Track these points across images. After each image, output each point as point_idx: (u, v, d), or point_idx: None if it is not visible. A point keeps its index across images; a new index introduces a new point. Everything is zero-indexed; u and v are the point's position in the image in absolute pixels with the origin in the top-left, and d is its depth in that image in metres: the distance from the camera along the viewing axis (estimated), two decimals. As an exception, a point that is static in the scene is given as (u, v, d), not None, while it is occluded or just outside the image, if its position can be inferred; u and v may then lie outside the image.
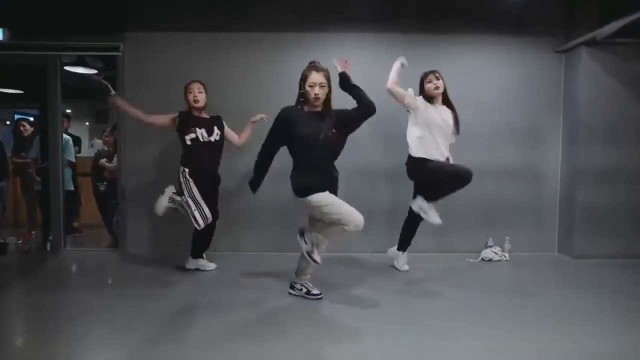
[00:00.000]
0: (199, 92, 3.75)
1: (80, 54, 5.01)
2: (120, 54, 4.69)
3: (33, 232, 4.89)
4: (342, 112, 3.03)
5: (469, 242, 4.69)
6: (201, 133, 3.71)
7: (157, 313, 2.84)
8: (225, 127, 3.93)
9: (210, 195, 3.75)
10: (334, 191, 3.01)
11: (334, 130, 2.93)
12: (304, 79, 2.95)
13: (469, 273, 4.06)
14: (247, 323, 2.72)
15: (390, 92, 3.65)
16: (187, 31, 4.67)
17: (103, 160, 5.18)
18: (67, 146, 5.21)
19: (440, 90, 3.71)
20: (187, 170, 3.68)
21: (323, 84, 2.91)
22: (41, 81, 4.81)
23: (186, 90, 3.77)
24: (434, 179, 3.67)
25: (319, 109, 2.98)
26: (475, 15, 4.66)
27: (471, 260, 4.48)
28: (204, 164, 3.74)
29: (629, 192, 4.61)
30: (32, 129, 5.66)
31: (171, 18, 4.67)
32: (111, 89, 5.18)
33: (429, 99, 3.73)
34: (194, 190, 3.63)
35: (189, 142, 3.70)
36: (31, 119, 5.87)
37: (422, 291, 3.44)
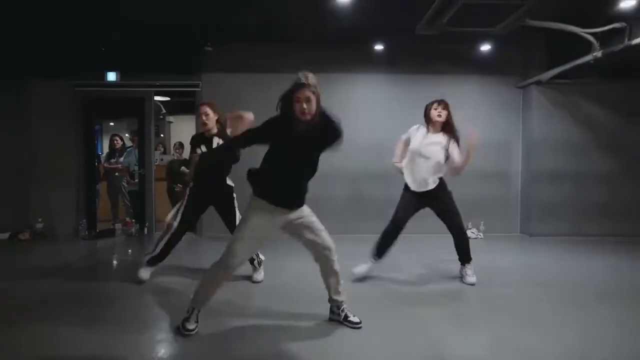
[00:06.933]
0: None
1: (170, 89, 6.71)
2: (199, 89, 6.45)
3: (134, 220, 6.61)
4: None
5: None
6: None
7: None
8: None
9: None
10: None
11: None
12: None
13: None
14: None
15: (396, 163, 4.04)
16: (250, 72, 6.41)
17: (183, 168, 6.88)
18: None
19: (442, 118, 3.80)
20: None
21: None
22: (139, 108, 6.58)
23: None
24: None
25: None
26: (457, 60, 6.42)
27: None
28: None
29: (569, 189, 6.38)
30: (122, 143, 7.36)
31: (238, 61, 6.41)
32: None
33: (430, 125, 3.88)
34: None
35: None
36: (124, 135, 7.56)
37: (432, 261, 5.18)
